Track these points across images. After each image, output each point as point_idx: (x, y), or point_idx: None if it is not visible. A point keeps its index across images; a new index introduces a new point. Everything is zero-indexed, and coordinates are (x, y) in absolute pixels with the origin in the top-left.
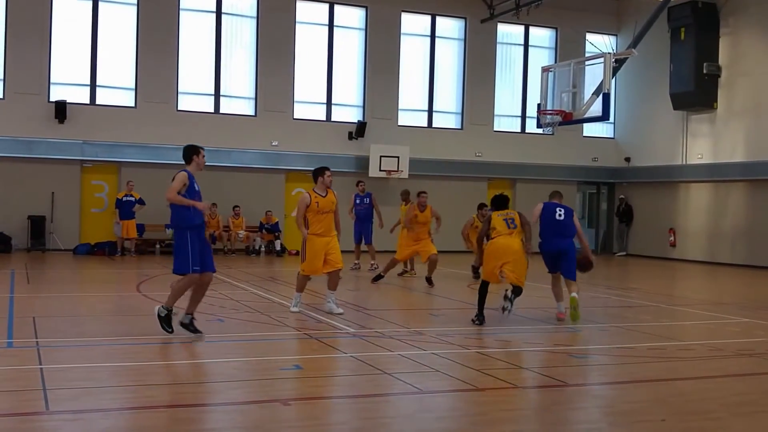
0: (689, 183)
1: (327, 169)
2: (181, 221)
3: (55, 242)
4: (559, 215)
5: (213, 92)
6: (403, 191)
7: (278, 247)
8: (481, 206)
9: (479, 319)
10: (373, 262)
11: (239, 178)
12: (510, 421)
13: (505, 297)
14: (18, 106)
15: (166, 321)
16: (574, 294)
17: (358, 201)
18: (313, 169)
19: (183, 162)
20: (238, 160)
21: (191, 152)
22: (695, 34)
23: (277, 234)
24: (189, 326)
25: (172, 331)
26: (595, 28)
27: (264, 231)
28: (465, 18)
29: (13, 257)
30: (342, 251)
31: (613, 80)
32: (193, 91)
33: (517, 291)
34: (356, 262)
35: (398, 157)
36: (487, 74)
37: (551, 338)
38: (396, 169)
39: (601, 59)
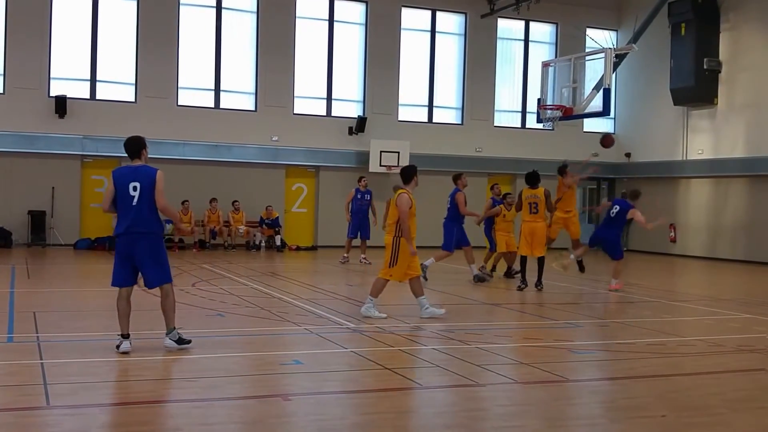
0: (689, 179)
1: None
2: (160, 227)
3: (55, 237)
4: (613, 212)
5: (213, 87)
6: (395, 187)
7: (278, 242)
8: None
9: (523, 283)
10: (363, 255)
11: (239, 173)
12: (510, 416)
13: (536, 285)
14: (18, 101)
15: (181, 341)
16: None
17: (359, 196)
18: (402, 167)
19: (141, 157)
20: (238, 155)
21: (143, 145)
22: (695, 30)
23: (277, 229)
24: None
25: (190, 341)
26: (595, 23)
27: (264, 226)
28: (465, 13)
29: (14, 252)
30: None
31: (614, 75)
32: (193, 86)
33: (541, 260)
34: (345, 255)
35: (398, 153)
36: (488, 69)
37: (551, 334)
38: (396, 164)
39: (602, 54)
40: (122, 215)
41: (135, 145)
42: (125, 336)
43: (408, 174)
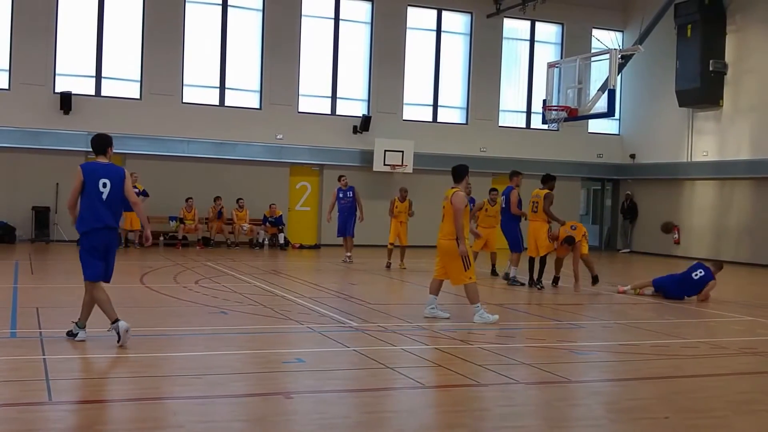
0: (694, 180)
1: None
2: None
3: (59, 233)
4: (696, 275)
5: (218, 85)
6: (402, 188)
7: (282, 240)
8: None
9: (539, 283)
10: (348, 254)
11: (243, 170)
12: (512, 417)
13: (535, 283)
14: (23, 97)
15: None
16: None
17: (341, 195)
18: (453, 166)
19: (107, 154)
20: (243, 153)
21: (109, 143)
22: (702, 31)
23: (280, 227)
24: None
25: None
26: (601, 24)
27: (268, 224)
28: (471, 13)
29: (17, 248)
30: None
31: (619, 77)
32: (198, 84)
33: (542, 260)
34: (348, 254)
35: (402, 152)
36: (493, 69)
37: (554, 334)
38: (400, 163)
39: (607, 55)
40: (93, 210)
41: (103, 142)
42: (116, 320)
43: (460, 173)
